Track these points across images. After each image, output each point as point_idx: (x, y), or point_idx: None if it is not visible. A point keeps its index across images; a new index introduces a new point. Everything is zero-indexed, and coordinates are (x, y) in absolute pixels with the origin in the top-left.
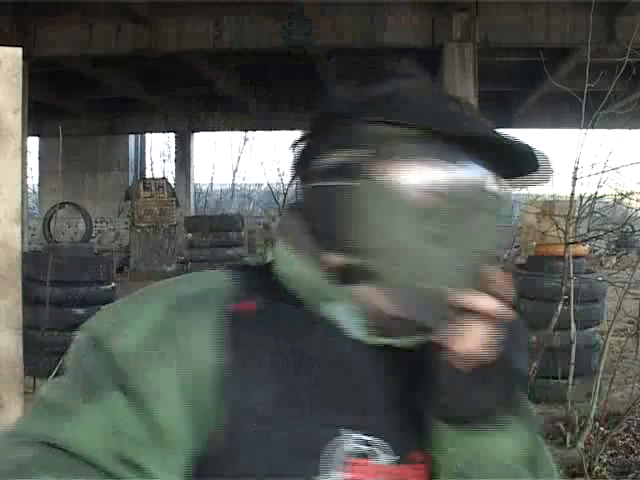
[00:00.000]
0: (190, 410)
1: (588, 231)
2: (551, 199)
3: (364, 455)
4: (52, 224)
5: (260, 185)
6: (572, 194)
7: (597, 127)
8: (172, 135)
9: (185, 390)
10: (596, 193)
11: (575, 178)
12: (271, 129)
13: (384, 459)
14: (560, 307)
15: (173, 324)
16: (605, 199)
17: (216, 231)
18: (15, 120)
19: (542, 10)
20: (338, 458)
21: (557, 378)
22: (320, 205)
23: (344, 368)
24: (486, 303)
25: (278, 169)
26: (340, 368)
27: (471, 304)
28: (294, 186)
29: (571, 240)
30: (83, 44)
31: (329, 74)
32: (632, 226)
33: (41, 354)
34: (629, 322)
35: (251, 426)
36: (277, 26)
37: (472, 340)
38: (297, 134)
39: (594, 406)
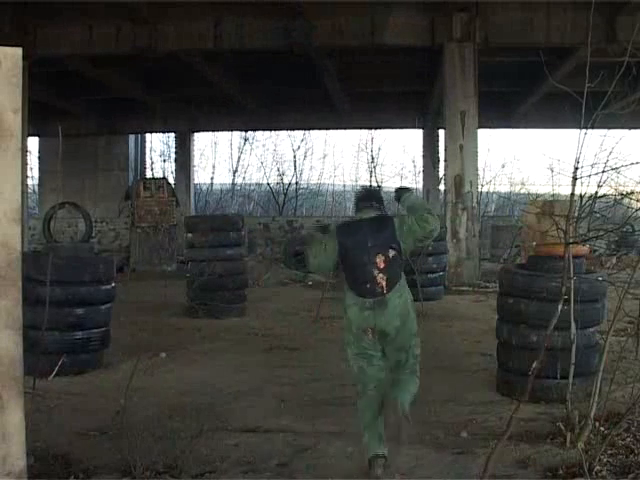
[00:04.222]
0: (334, 245)
1: (588, 231)
2: (551, 199)
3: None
4: (52, 224)
5: (260, 185)
6: (572, 194)
7: (597, 127)
8: (172, 135)
9: (333, 241)
10: (596, 193)
11: (575, 178)
12: (271, 129)
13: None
14: (560, 307)
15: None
16: (605, 199)
17: (216, 231)
18: (15, 120)
19: (542, 10)
20: (375, 256)
21: (557, 378)
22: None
23: (365, 229)
24: None
25: (278, 169)
26: (366, 229)
27: None
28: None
29: (571, 240)
30: (83, 44)
31: (329, 74)
32: (632, 226)
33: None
34: (629, 322)
35: (347, 248)
36: (277, 26)
37: None
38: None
39: (594, 406)
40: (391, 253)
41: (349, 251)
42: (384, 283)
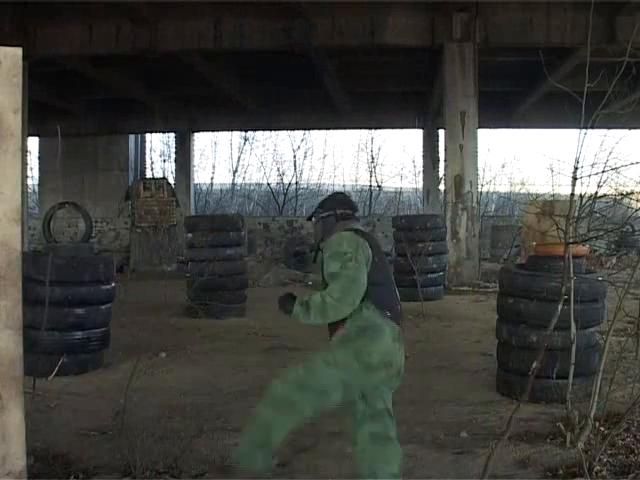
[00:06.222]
0: (364, 255)
1: (588, 231)
2: (551, 199)
3: None
4: (52, 224)
5: (260, 185)
6: (572, 194)
7: (597, 127)
8: (172, 135)
9: (364, 252)
10: (596, 193)
11: (575, 178)
12: (271, 129)
13: None
14: (560, 307)
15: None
16: (605, 199)
17: (216, 231)
18: (15, 120)
19: (542, 10)
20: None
21: (557, 378)
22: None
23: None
24: None
25: (278, 169)
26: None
27: None
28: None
29: (571, 240)
30: (83, 44)
31: (329, 74)
32: (632, 226)
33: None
34: (629, 322)
35: (377, 260)
36: (277, 26)
37: None
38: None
39: (594, 406)
40: None
41: (379, 262)
42: (399, 307)
